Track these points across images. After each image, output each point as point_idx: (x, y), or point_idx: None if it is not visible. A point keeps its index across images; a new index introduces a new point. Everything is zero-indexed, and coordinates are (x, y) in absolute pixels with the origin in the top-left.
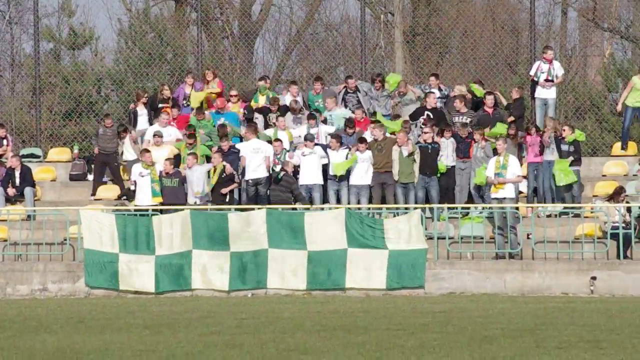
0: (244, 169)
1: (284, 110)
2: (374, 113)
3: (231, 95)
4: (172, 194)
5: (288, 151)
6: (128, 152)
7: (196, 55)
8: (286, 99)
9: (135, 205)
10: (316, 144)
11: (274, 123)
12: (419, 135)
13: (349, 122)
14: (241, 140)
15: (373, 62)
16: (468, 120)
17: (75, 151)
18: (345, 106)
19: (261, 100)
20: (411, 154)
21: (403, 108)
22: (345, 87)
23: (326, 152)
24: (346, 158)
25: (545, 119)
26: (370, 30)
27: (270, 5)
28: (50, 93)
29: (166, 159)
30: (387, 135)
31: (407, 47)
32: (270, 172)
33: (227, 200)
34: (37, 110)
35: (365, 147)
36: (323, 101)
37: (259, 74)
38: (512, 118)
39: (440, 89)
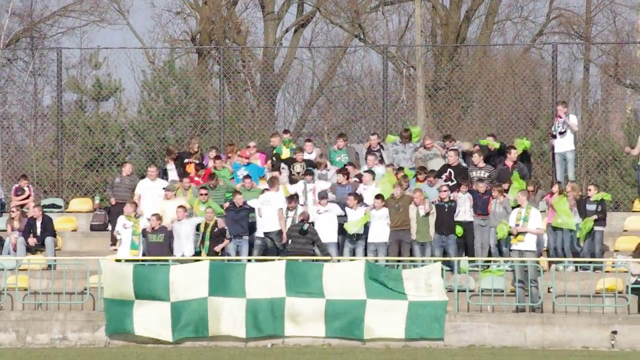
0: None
1: (308, 164)
2: (400, 168)
3: (248, 147)
4: (157, 249)
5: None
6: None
7: (218, 108)
8: (312, 155)
9: (117, 258)
10: (331, 202)
11: (297, 173)
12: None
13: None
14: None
15: (395, 116)
16: (486, 175)
17: (97, 202)
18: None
19: (285, 153)
20: (427, 214)
21: (428, 162)
22: (369, 144)
23: (344, 209)
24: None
25: (566, 184)
26: (393, 84)
27: (293, 59)
28: (72, 143)
29: (152, 215)
30: (406, 193)
31: (429, 101)
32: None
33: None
34: (59, 160)
35: (382, 204)
36: (348, 157)
37: (280, 127)
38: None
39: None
